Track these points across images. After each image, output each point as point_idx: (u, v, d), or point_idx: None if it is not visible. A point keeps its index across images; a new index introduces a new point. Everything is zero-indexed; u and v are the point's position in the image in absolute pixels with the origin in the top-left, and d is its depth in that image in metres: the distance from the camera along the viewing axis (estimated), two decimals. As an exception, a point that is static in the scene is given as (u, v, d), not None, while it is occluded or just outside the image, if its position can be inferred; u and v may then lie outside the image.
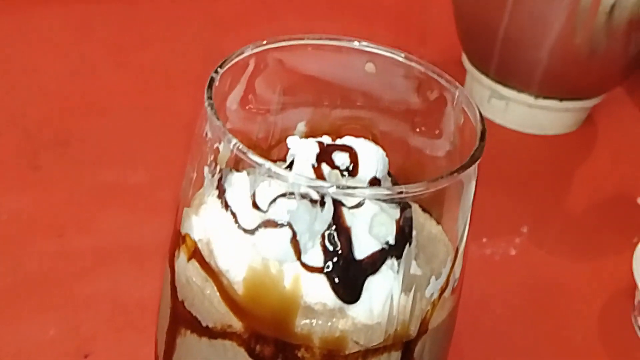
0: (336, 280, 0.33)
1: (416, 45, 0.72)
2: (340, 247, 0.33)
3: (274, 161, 0.38)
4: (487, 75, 0.67)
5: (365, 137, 0.37)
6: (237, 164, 0.34)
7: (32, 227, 0.53)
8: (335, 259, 0.33)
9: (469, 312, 0.54)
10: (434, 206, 0.39)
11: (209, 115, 0.32)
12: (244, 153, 0.31)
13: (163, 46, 0.68)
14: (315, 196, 0.33)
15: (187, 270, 0.35)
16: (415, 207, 0.38)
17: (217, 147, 0.32)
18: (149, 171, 0.58)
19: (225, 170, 0.34)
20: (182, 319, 0.35)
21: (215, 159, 0.33)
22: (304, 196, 0.33)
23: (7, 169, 0.56)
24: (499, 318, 0.55)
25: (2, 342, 0.47)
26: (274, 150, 0.39)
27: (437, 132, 0.37)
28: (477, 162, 0.34)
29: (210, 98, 0.33)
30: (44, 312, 0.49)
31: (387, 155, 0.37)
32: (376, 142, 0.38)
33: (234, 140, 0.31)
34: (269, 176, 0.32)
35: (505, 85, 0.66)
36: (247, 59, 0.35)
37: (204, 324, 0.34)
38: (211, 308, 0.34)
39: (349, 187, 0.33)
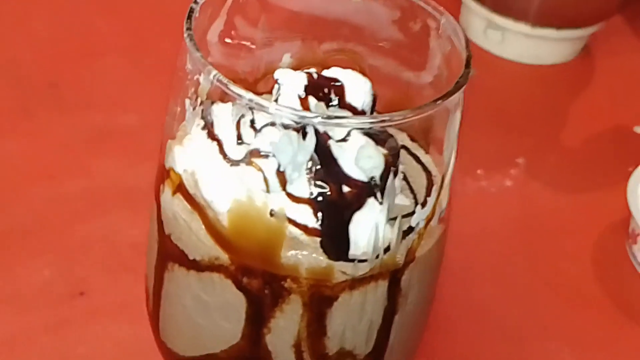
0: (321, 213, 0.33)
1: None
2: (326, 177, 0.33)
3: (260, 94, 0.38)
4: (482, 4, 0.66)
5: (352, 69, 0.37)
6: (222, 97, 0.34)
7: (24, 172, 0.53)
8: (321, 190, 0.33)
9: (464, 244, 0.54)
10: (422, 135, 0.38)
11: (188, 46, 0.32)
12: (224, 84, 0.31)
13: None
14: (299, 127, 0.33)
15: (173, 204, 0.35)
16: (403, 137, 0.38)
17: (198, 79, 0.32)
18: (140, 114, 0.58)
19: (209, 102, 0.34)
20: (169, 253, 0.35)
21: (196, 91, 0.33)
22: (287, 127, 0.33)
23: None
24: (494, 250, 0.55)
25: None
26: (260, 83, 0.39)
27: (424, 62, 0.37)
28: (462, 89, 0.33)
29: (189, 29, 0.32)
30: (39, 255, 0.49)
31: (375, 88, 0.36)
32: (364, 74, 0.37)
33: (214, 72, 0.31)
34: (250, 107, 0.31)
35: (501, 14, 0.66)
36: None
37: (191, 258, 0.34)
38: (197, 241, 0.34)
39: (332, 117, 0.33)
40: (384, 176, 0.34)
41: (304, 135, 0.33)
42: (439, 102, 0.33)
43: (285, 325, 0.34)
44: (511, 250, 0.55)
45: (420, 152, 0.38)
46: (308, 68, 0.37)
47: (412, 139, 0.39)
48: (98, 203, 0.52)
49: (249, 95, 0.31)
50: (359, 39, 0.38)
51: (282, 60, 0.39)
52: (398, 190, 0.35)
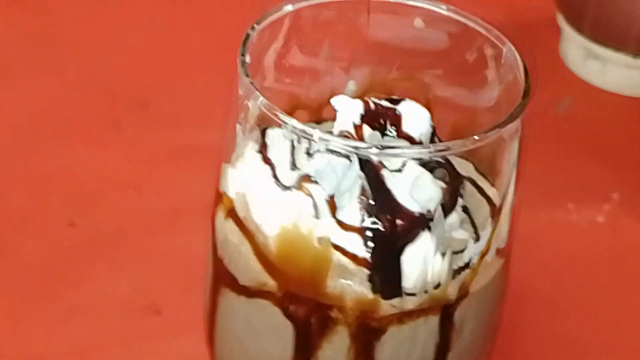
0: (371, 243, 0.32)
1: (507, 3, 0.69)
2: (378, 207, 0.33)
3: (325, 120, 0.38)
4: (581, 33, 0.64)
5: (415, 97, 0.36)
6: (273, 122, 0.34)
7: (111, 184, 0.54)
8: (372, 219, 0.33)
9: (551, 278, 0.52)
10: (487, 167, 0.37)
11: (239, 72, 0.32)
12: (270, 110, 0.31)
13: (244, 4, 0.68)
14: (351, 155, 0.32)
15: (225, 227, 0.35)
16: (469, 168, 0.37)
17: (247, 104, 0.32)
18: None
19: (263, 127, 0.34)
20: (222, 277, 0.35)
21: (246, 116, 0.33)
22: (339, 154, 0.32)
23: (87, 126, 0.57)
24: (582, 285, 0.52)
25: (76, 297, 0.48)
26: (325, 109, 0.39)
27: (487, 92, 0.36)
28: (519, 119, 0.32)
29: (242, 54, 0.32)
30: (118, 267, 0.50)
31: (439, 118, 0.36)
32: (427, 103, 0.37)
33: (261, 98, 0.31)
34: (295, 134, 0.31)
35: (600, 44, 0.63)
36: (286, 15, 0.35)
37: (240, 283, 0.34)
38: (246, 266, 0.34)
39: (380, 147, 0.32)
40: (442, 210, 0.33)
41: (359, 163, 0.33)
42: (493, 131, 0.32)
43: (333, 355, 0.34)
44: (600, 286, 0.53)
45: (486, 185, 0.37)
46: (372, 96, 0.36)
47: (478, 171, 0.38)
48: (179, 219, 0.52)
49: (293, 122, 0.31)
50: (425, 67, 0.38)
51: (347, 87, 0.39)
52: (456, 224, 0.34)
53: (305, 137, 0.31)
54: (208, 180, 0.56)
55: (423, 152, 0.33)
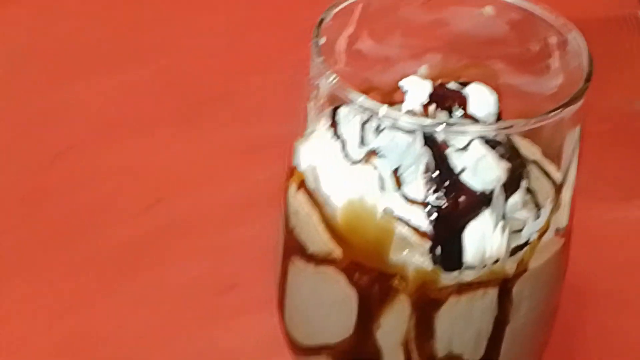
0: (434, 218, 0.34)
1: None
2: (441, 183, 0.34)
3: (395, 103, 0.40)
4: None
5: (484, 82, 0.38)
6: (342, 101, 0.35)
7: (186, 176, 0.57)
8: (435, 195, 0.34)
9: (617, 273, 0.53)
10: (553, 151, 0.38)
11: (312, 52, 0.34)
12: (340, 87, 0.33)
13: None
14: (417, 132, 0.34)
15: (296, 199, 0.37)
16: (535, 151, 0.38)
17: (318, 84, 0.34)
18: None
19: (335, 105, 0.36)
20: (292, 246, 0.37)
21: (317, 96, 0.35)
22: (405, 131, 0.34)
23: (166, 121, 0.60)
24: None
25: (152, 279, 0.51)
26: (397, 93, 0.41)
27: (551, 78, 0.37)
28: (580, 101, 0.34)
29: (316, 36, 0.35)
30: (193, 253, 0.52)
31: (506, 105, 0.37)
32: (496, 89, 0.38)
33: (332, 76, 0.33)
34: (362, 110, 0.33)
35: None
36: (359, 2, 0.37)
37: (308, 251, 0.36)
38: (315, 235, 0.36)
39: (447, 124, 0.34)
40: (503, 190, 0.35)
41: (425, 141, 0.34)
42: (554, 112, 0.33)
43: (394, 323, 0.36)
44: None
45: (551, 169, 0.39)
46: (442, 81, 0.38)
47: (545, 156, 0.39)
48: (252, 208, 0.55)
49: (361, 98, 0.32)
50: (493, 55, 0.39)
51: (418, 72, 0.40)
52: (519, 204, 0.36)
53: (371, 113, 0.33)
54: (276, 173, 0.58)
55: (486, 130, 0.34)
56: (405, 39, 0.39)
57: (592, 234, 0.49)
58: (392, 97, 0.40)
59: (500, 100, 0.38)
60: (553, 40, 0.37)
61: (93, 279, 0.51)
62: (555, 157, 0.38)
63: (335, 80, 0.33)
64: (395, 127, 0.34)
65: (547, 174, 0.38)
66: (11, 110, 0.61)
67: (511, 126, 0.34)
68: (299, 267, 0.37)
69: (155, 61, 0.65)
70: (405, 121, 0.33)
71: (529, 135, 0.36)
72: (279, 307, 0.40)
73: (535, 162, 0.38)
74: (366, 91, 0.40)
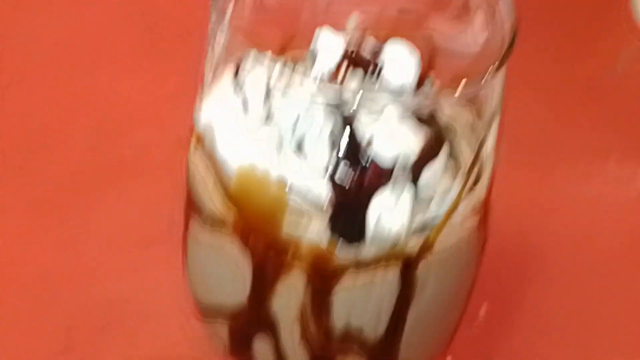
0: (334, 188, 0.31)
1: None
2: (347, 151, 0.32)
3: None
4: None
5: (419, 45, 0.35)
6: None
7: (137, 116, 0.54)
8: (338, 164, 0.31)
9: (567, 248, 0.49)
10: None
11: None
12: (240, 44, 0.30)
13: None
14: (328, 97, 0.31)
15: (194, 157, 0.34)
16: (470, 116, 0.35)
17: (218, 33, 0.31)
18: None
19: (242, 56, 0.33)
20: (191, 205, 0.35)
21: (218, 46, 0.32)
22: (314, 94, 0.31)
23: (121, 53, 0.57)
24: (601, 260, 0.49)
25: (85, 221, 0.48)
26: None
27: (474, 34, 0.34)
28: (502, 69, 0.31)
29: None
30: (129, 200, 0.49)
31: (440, 64, 0.34)
32: (432, 50, 0.35)
33: (227, 28, 0.30)
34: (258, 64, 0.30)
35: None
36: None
37: (204, 213, 0.34)
38: (210, 197, 0.33)
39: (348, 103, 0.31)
40: (416, 162, 0.32)
41: (335, 106, 0.31)
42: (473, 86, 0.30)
43: (289, 296, 0.33)
44: (622, 262, 0.49)
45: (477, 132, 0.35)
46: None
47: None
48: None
49: (254, 51, 0.29)
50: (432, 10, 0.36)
51: (349, 22, 0.37)
52: (438, 174, 0.33)
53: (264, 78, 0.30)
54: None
55: (398, 108, 0.31)
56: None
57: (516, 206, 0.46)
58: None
59: (435, 59, 0.35)
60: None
61: (29, 216, 0.48)
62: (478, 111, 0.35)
63: (228, 34, 0.30)
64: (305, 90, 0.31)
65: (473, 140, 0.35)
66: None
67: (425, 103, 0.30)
68: (196, 228, 0.35)
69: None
70: (299, 94, 0.30)
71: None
72: (183, 264, 0.38)
73: (461, 124, 0.35)
74: (292, 37, 0.37)
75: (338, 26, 0.36)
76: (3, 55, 0.56)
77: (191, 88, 0.54)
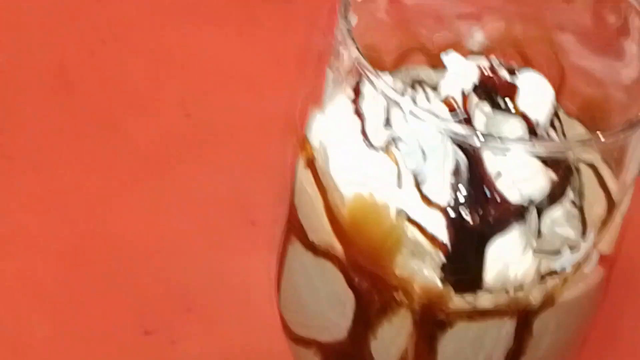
0: (454, 228, 0.29)
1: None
2: (471, 189, 0.29)
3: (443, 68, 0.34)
4: None
5: (548, 62, 0.32)
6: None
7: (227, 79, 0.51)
8: (461, 201, 0.29)
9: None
10: (615, 160, 0.32)
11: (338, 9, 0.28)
12: (362, 67, 0.27)
13: None
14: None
15: (303, 177, 0.32)
16: (596, 158, 0.32)
17: (342, 51, 0.28)
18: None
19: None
20: (294, 225, 0.33)
21: (337, 64, 0.29)
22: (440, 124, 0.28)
23: (220, 14, 0.54)
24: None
25: (173, 188, 0.46)
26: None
27: (626, 65, 0.31)
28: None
29: (345, -7, 0.29)
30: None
31: (569, 86, 0.31)
32: (561, 70, 0.32)
33: (356, 53, 0.27)
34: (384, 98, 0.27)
35: None
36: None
37: (310, 238, 0.32)
38: (317, 223, 0.31)
39: (484, 136, 0.28)
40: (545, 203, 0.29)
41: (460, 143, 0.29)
42: (618, 133, 0.27)
43: (392, 337, 0.31)
44: None
45: (609, 177, 0.32)
46: (499, 53, 0.32)
47: (604, 160, 0.33)
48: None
49: (383, 84, 0.27)
50: (564, 29, 0.33)
51: (472, 36, 0.34)
52: (561, 219, 0.30)
53: (394, 106, 0.27)
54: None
55: (532, 150, 0.28)
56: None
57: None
58: (439, 60, 0.34)
59: (565, 81, 0.32)
60: (635, 22, 0.31)
61: (115, 179, 0.46)
62: (614, 162, 0.32)
63: (357, 57, 0.27)
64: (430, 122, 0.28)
65: (602, 181, 0.32)
66: None
67: (564, 150, 0.28)
68: (297, 250, 0.32)
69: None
70: (434, 125, 0.28)
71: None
72: (276, 284, 0.36)
73: (592, 166, 0.32)
74: (411, 49, 0.34)
75: (458, 44, 0.34)
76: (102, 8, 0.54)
77: (290, 60, 0.51)
